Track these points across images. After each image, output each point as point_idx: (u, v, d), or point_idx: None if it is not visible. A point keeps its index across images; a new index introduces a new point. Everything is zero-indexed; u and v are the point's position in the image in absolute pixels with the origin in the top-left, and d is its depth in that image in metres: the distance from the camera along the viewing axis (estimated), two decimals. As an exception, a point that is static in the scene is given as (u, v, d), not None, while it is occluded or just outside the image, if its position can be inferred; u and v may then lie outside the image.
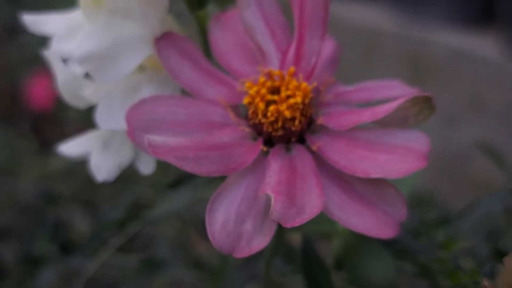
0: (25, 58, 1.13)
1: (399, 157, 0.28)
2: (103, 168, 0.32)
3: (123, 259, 0.55)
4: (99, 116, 0.31)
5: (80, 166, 0.88)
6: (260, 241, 0.28)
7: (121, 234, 0.52)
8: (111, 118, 0.31)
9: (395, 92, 0.30)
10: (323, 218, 0.42)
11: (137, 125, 0.29)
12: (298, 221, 0.26)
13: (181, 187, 0.42)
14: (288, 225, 0.26)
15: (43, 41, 1.01)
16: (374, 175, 0.28)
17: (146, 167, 0.32)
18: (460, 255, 0.38)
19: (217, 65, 0.32)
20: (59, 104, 1.09)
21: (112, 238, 0.59)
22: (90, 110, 1.02)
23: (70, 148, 0.34)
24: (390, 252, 0.42)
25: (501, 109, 1.00)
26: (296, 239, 0.50)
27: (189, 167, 0.27)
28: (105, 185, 0.80)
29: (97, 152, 0.33)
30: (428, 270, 0.37)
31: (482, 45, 1.02)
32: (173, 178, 0.42)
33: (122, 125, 0.30)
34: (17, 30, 1.11)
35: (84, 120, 1.08)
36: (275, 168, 0.28)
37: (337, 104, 0.31)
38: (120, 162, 0.32)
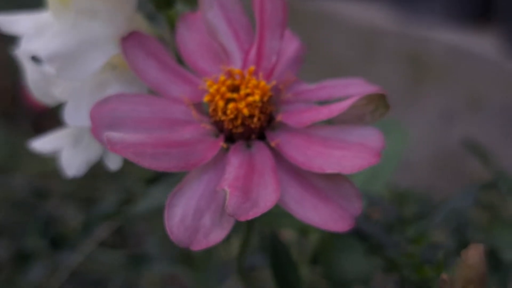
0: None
1: (354, 154, 0.29)
2: (72, 164, 0.33)
3: (110, 254, 0.56)
4: (67, 113, 0.32)
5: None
6: (218, 234, 0.28)
7: (109, 228, 0.53)
8: (78, 115, 0.32)
9: (354, 90, 0.31)
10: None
11: (101, 123, 0.30)
12: (251, 215, 0.27)
13: (160, 182, 0.43)
14: (242, 218, 0.27)
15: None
16: (329, 170, 0.29)
17: (113, 163, 0.33)
18: (429, 250, 0.39)
19: (184, 64, 0.33)
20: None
21: (103, 233, 0.60)
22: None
23: (43, 144, 0.35)
24: (363, 248, 0.42)
25: (499, 106, 1.00)
26: (288, 234, 0.51)
27: (147, 163, 0.28)
28: (104, 182, 0.81)
29: (67, 149, 0.34)
30: (396, 264, 0.37)
31: (480, 43, 1.02)
32: (151, 174, 0.43)
33: (88, 122, 0.31)
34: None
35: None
36: (234, 164, 0.29)
37: (297, 102, 0.32)
38: (89, 159, 0.33)
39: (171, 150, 0.29)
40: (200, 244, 0.28)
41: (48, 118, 1.19)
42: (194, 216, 0.29)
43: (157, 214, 0.68)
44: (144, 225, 0.67)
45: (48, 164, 0.91)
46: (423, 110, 1.06)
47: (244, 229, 0.37)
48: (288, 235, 0.50)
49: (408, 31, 1.07)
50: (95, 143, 0.33)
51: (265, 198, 0.28)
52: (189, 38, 0.33)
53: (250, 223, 0.36)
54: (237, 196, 0.28)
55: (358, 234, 0.45)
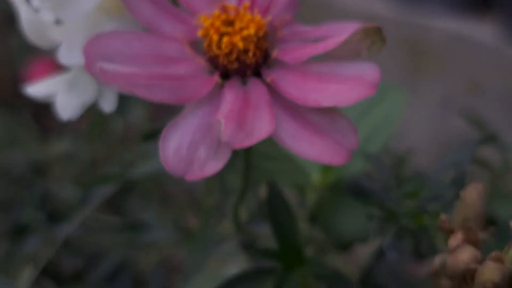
0: (26, 46, 1.14)
1: (350, 87, 0.29)
2: (68, 107, 0.33)
3: (107, 222, 0.56)
4: (62, 53, 0.32)
5: (80, 151, 0.89)
6: (213, 166, 0.28)
7: (105, 202, 0.53)
8: (72, 55, 0.31)
9: (351, 30, 0.31)
10: (295, 170, 0.43)
11: (94, 58, 0.30)
12: (246, 143, 0.27)
13: (155, 139, 0.42)
14: (237, 146, 0.27)
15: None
16: (325, 104, 0.29)
17: (108, 104, 0.33)
18: (427, 201, 0.38)
19: (179, 6, 0.33)
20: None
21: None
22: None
23: (37, 89, 0.35)
24: (362, 206, 0.42)
25: (498, 93, 1.00)
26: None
27: (140, 93, 0.28)
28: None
29: (62, 93, 0.33)
30: (394, 214, 0.37)
31: (480, 30, 1.02)
32: (147, 131, 0.43)
33: (82, 60, 0.31)
34: (17, 18, 1.12)
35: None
36: (229, 99, 0.29)
37: (293, 40, 0.31)
38: (84, 101, 0.33)
39: (165, 83, 0.29)
40: (194, 175, 0.28)
41: (47, 109, 1.19)
42: (189, 148, 0.28)
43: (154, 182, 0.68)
44: (139, 199, 0.67)
45: (48, 153, 0.90)
46: (423, 97, 1.06)
47: (242, 176, 0.36)
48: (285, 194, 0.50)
49: (408, 19, 1.07)
50: (90, 86, 0.33)
51: (260, 129, 0.28)
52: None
53: (248, 172, 0.35)
54: (232, 126, 0.27)
55: (356, 192, 0.44)
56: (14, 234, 0.58)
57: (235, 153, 0.45)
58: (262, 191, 0.53)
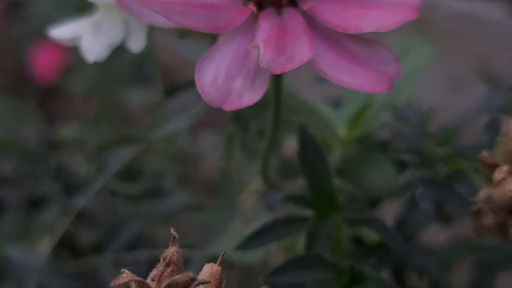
0: (30, 32, 1.13)
1: (391, 12, 0.28)
2: (94, 48, 0.32)
3: (126, 188, 0.55)
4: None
5: (88, 136, 0.88)
6: (251, 97, 0.27)
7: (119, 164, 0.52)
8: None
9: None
10: (321, 124, 0.42)
11: (126, -10, 0.29)
12: (287, 67, 0.26)
13: (177, 94, 0.41)
14: (278, 71, 0.26)
15: (47, 14, 1.00)
16: (366, 29, 0.28)
17: (136, 44, 0.32)
18: (460, 148, 0.37)
19: None
20: (64, 76, 1.09)
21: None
22: (93, 83, 1.01)
23: (61, 32, 0.34)
24: (389, 161, 0.41)
25: (507, 71, 0.99)
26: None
27: (175, 19, 0.27)
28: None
29: (88, 34, 0.32)
30: (428, 158, 0.36)
31: (488, 8, 1.01)
32: (169, 86, 0.42)
33: (112, -5, 0.30)
34: (21, 4, 1.12)
35: (88, 93, 1.08)
36: (265, 27, 0.28)
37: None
38: (110, 42, 0.32)
39: (199, 11, 0.28)
40: (233, 105, 0.27)
41: (53, 95, 1.19)
42: (226, 78, 0.27)
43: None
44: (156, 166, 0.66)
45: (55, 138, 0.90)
46: (431, 75, 1.05)
47: (272, 118, 0.35)
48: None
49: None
50: (116, 27, 0.32)
51: (300, 53, 0.27)
52: None
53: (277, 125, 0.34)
54: (271, 49, 0.27)
55: (384, 143, 0.44)
56: (30, 205, 0.58)
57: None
58: (285, 149, 0.52)
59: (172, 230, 0.22)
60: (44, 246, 0.56)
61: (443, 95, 1.03)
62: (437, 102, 1.04)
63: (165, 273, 0.22)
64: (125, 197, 0.60)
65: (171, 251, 0.22)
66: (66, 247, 0.57)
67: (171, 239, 0.22)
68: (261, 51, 0.26)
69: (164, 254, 0.22)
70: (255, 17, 0.29)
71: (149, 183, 0.56)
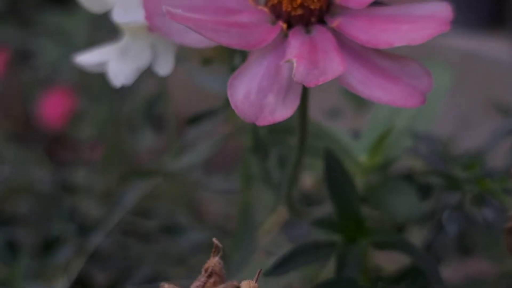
0: (38, 80, 1.14)
1: (421, 25, 0.28)
2: (121, 72, 0.32)
3: (141, 226, 0.55)
4: (117, 12, 0.31)
5: (95, 182, 0.87)
6: (283, 113, 0.27)
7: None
8: (128, 12, 0.31)
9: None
10: (342, 151, 0.42)
11: (155, 10, 0.29)
12: (321, 80, 0.26)
13: (200, 122, 0.41)
14: (311, 84, 0.26)
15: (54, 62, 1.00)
16: (397, 43, 0.28)
17: (164, 67, 0.32)
18: (486, 170, 0.37)
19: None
20: (72, 123, 1.10)
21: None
22: (102, 128, 1.01)
23: (87, 58, 0.34)
24: (413, 188, 0.41)
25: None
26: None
27: (209, 35, 0.27)
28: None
29: (115, 59, 0.32)
30: (456, 181, 0.36)
31: (494, 47, 1.02)
32: (192, 114, 0.42)
33: (139, 18, 0.30)
34: (29, 53, 1.13)
35: (96, 138, 1.08)
36: (295, 44, 0.28)
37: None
38: (138, 66, 0.32)
39: (231, 28, 0.28)
40: (266, 120, 0.27)
41: (61, 142, 1.19)
42: (258, 94, 0.27)
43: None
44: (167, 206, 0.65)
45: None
46: (440, 116, 1.05)
47: (296, 145, 0.35)
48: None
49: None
50: (143, 51, 0.32)
51: (332, 67, 0.27)
52: None
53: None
54: (304, 63, 0.27)
55: (405, 172, 0.43)
56: (45, 246, 0.57)
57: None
58: (302, 183, 0.51)
59: (214, 240, 0.22)
60: (60, 286, 0.55)
61: (453, 133, 1.03)
62: (449, 140, 1.04)
63: (208, 284, 0.21)
64: (139, 235, 0.60)
65: (213, 261, 0.21)
66: (81, 287, 0.57)
67: (213, 249, 0.22)
68: (295, 65, 0.26)
69: (206, 265, 0.22)
70: (284, 35, 0.29)
71: (163, 220, 0.56)
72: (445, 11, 0.28)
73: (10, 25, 1.17)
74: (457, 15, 0.98)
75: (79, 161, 1.12)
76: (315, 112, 0.44)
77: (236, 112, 0.27)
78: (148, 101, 0.72)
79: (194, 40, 0.28)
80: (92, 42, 0.93)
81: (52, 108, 1.12)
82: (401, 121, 0.44)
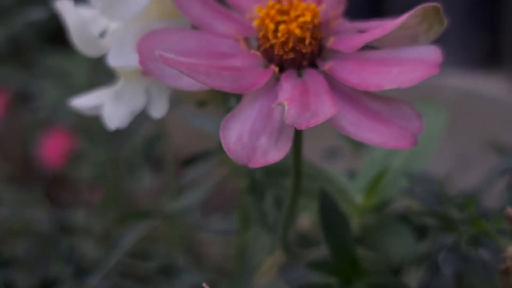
0: (37, 122, 1.15)
1: (412, 68, 0.28)
2: (115, 115, 0.32)
3: (139, 267, 0.54)
4: (112, 56, 0.31)
5: (94, 223, 0.87)
6: (276, 155, 0.28)
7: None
8: (122, 56, 0.31)
9: (407, 14, 0.30)
10: (337, 192, 0.42)
11: (148, 54, 0.29)
12: (312, 122, 0.26)
13: (196, 163, 0.42)
14: (302, 126, 0.26)
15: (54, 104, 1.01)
16: (387, 86, 0.28)
17: (158, 110, 0.32)
18: (482, 209, 0.37)
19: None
20: (71, 164, 1.10)
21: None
22: (101, 169, 1.01)
23: (83, 101, 0.34)
24: (409, 230, 0.41)
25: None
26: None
27: (201, 79, 0.27)
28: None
29: (109, 103, 0.33)
30: (451, 221, 0.36)
31: (491, 86, 1.03)
32: (188, 156, 0.42)
33: (133, 62, 0.30)
34: (29, 94, 1.13)
35: (95, 180, 1.08)
36: (287, 87, 0.29)
37: (346, 32, 0.31)
38: (132, 109, 0.32)
39: (224, 72, 0.28)
40: (258, 162, 0.27)
41: (60, 183, 1.19)
42: (250, 136, 0.28)
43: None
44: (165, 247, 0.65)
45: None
46: (437, 156, 1.05)
47: (291, 185, 0.35)
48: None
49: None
50: (138, 94, 0.32)
51: (324, 110, 0.27)
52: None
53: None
54: (296, 106, 0.27)
55: (401, 213, 0.43)
56: (43, 287, 0.57)
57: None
58: (299, 224, 0.51)
59: (204, 285, 0.22)
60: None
61: (450, 170, 1.03)
62: (445, 180, 1.04)
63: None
64: (137, 277, 0.59)
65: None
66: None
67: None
68: (286, 107, 0.27)
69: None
70: (277, 78, 0.30)
71: (161, 261, 0.55)
72: (435, 55, 0.28)
73: (11, 66, 1.18)
74: (453, 54, 0.99)
75: (78, 202, 1.12)
76: (313, 152, 0.45)
77: (228, 154, 0.27)
78: (147, 142, 0.72)
79: (188, 83, 0.29)
80: (92, 84, 0.94)
81: (52, 149, 1.13)
82: (397, 162, 0.44)
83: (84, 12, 0.32)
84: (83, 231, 0.76)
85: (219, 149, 0.39)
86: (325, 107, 0.27)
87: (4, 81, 1.13)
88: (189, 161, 0.41)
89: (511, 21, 0.99)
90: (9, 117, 1.16)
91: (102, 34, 0.33)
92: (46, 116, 1.10)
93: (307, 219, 0.56)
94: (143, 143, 0.77)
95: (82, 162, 1.07)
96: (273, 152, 0.28)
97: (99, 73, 0.93)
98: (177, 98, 0.37)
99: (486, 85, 1.03)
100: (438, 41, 0.30)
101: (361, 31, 0.31)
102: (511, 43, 1.01)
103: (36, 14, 0.76)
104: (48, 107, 1.04)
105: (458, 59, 1.06)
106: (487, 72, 1.05)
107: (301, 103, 0.27)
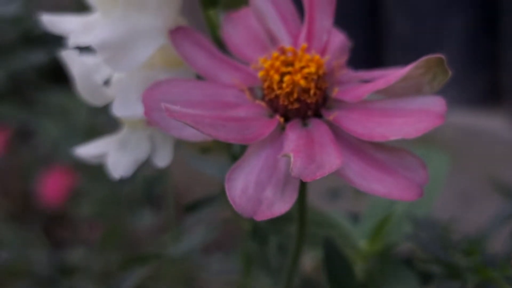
0: (37, 159, 1.15)
1: (416, 119, 0.28)
2: (120, 164, 0.32)
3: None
4: (116, 106, 0.31)
5: (93, 262, 0.87)
6: (281, 207, 0.27)
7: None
8: (127, 107, 0.31)
9: (411, 65, 0.31)
10: (341, 237, 0.42)
11: (153, 105, 0.29)
12: (318, 175, 0.26)
13: (198, 210, 0.41)
14: (308, 179, 0.26)
15: (54, 142, 1.01)
16: (392, 137, 0.28)
17: (162, 160, 0.32)
18: (488, 255, 0.37)
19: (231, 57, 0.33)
20: (71, 202, 1.10)
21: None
22: (101, 207, 1.02)
23: (87, 150, 0.34)
24: (414, 275, 0.41)
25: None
26: None
27: (206, 130, 0.27)
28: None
29: (113, 152, 0.33)
30: (456, 269, 0.36)
31: (492, 123, 1.03)
32: (190, 202, 0.42)
33: (138, 112, 0.30)
34: (29, 133, 1.14)
35: (95, 217, 1.08)
36: (293, 137, 0.29)
37: (350, 82, 0.31)
38: (136, 158, 0.32)
39: (228, 124, 0.28)
40: (264, 214, 0.27)
41: (59, 222, 1.19)
42: (256, 188, 0.28)
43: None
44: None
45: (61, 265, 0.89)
46: (439, 194, 1.05)
47: (296, 236, 0.35)
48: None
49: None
50: (142, 143, 0.32)
51: (329, 162, 0.27)
52: (236, 33, 0.33)
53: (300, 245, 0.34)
54: (301, 158, 0.27)
55: (406, 258, 0.43)
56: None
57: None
58: (304, 267, 0.51)
59: None
60: None
61: (454, 211, 1.02)
62: (449, 223, 1.03)
63: None
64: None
65: None
66: None
67: None
68: (292, 159, 0.27)
69: None
70: (282, 128, 0.30)
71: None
72: (439, 105, 0.28)
73: (11, 104, 1.18)
74: (454, 91, 0.99)
75: (78, 240, 1.11)
76: (315, 192, 0.45)
77: (234, 207, 0.27)
78: (148, 181, 0.72)
79: (193, 134, 0.29)
80: (92, 121, 0.94)
81: (52, 186, 1.12)
82: (401, 206, 0.44)
83: (88, 60, 0.32)
84: (83, 270, 0.75)
85: (222, 193, 0.39)
86: (331, 158, 0.27)
87: (4, 119, 1.13)
88: (192, 207, 0.41)
89: (510, 58, 0.99)
90: (9, 154, 1.16)
91: (106, 83, 0.34)
92: (46, 153, 1.10)
93: (310, 261, 0.56)
94: (144, 181, 0.77)
95: (82, 199, 1.07)
96: (279, 204, 0.27)
97: (99, 112, 0.94)
98: (179, 143, 0.37)
99: (487, 123, 1.03)
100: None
101: (365, 81, 0.31)
102: (511, 80, 1.01)
103: (36, 57, 0.76)
104: (48, 145, 1.04)
105: (458, 97, 1.07)
106: (488, 109, 1.05)
107: (306, 154, 0.27)
